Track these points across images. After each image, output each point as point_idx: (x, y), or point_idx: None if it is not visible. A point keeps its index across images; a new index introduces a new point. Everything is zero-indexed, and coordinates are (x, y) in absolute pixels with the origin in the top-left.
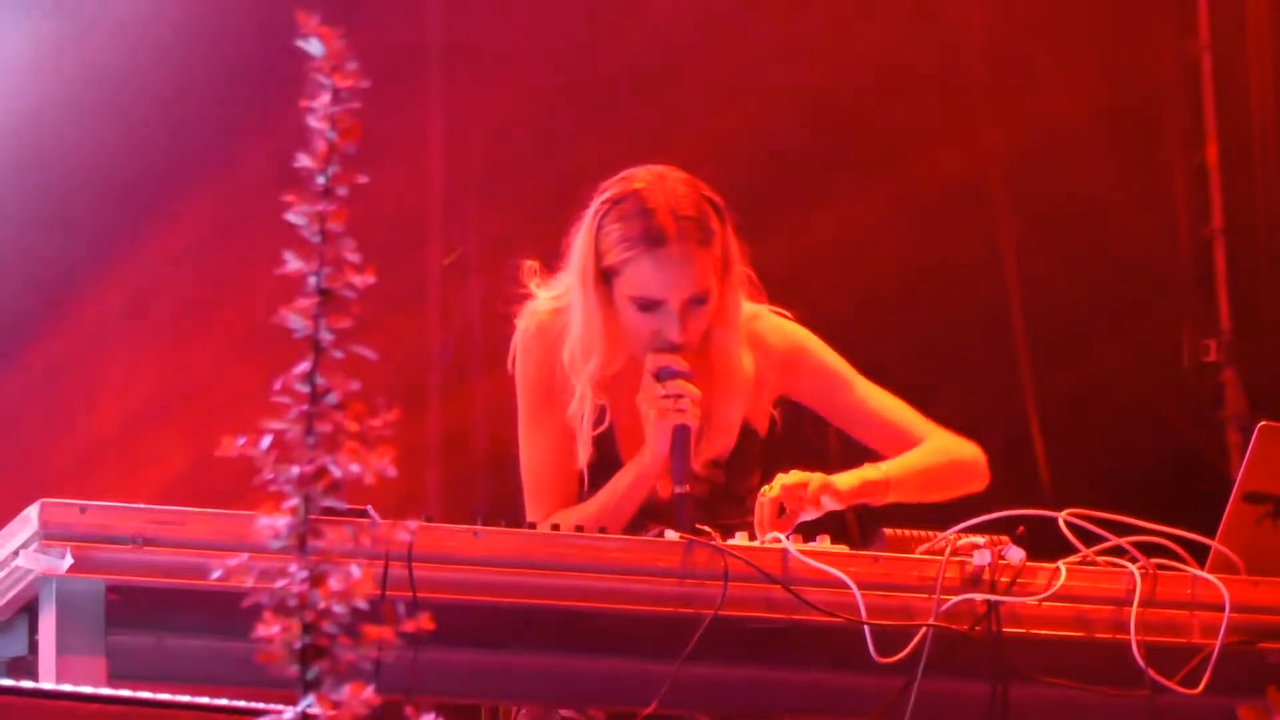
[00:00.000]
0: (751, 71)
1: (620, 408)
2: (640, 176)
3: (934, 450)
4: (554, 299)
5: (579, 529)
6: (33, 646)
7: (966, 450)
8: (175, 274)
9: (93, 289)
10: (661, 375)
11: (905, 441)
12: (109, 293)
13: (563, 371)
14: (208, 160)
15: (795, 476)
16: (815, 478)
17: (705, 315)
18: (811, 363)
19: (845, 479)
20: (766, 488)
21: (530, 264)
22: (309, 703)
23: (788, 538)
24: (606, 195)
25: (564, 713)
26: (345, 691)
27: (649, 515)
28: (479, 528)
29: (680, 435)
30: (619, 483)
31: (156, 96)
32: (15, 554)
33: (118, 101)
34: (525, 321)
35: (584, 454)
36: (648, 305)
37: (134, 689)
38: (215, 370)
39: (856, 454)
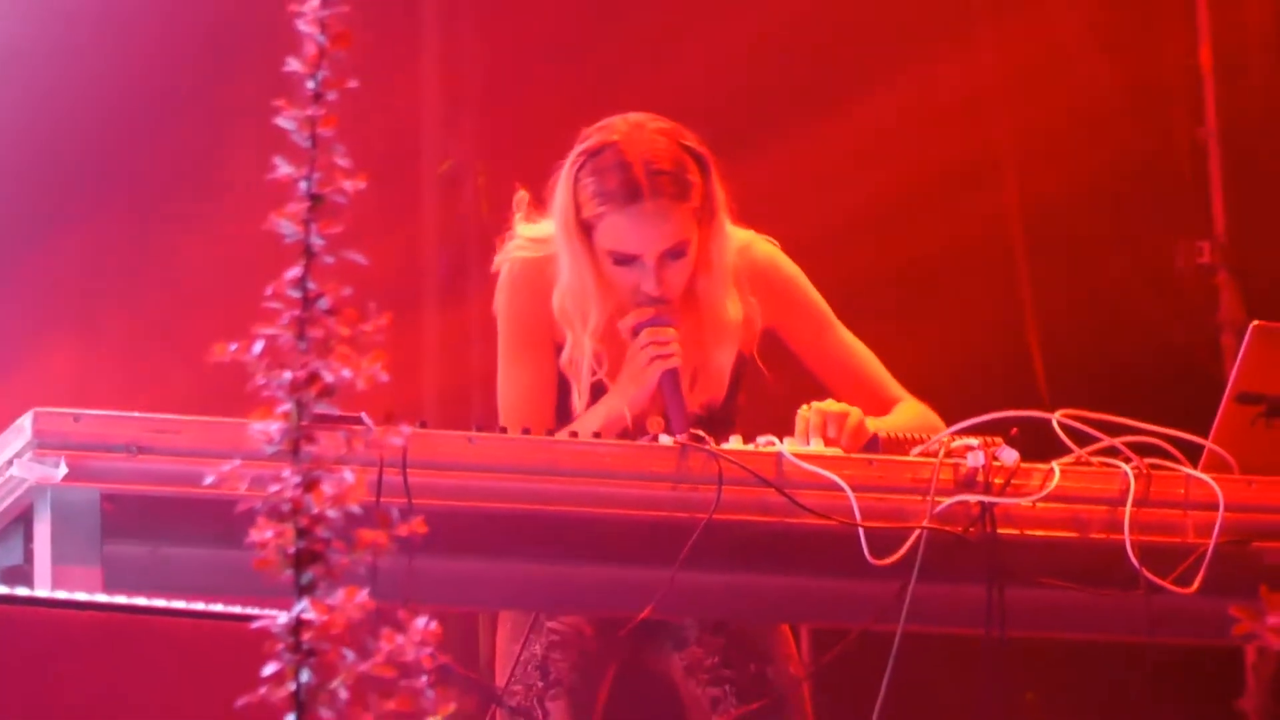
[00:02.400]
0: None
1: (606, 356)
2: (618, 128)
3: (917, 416)
4: (536, 244)
5: None
6: (28, 555)
7: (937, 420)
8: (175, 184)
9: (90, 201)
10: (638, 330)
11: (878, 397)
12: (107, 204)
13: (548, 316)
14: (209, 68)
15: (836, 406)
16: (855, 410)
17: (685, 266)
18: (802, 300)
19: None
20: (805, 410)
21: (521, 195)
22: (303, 607)
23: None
24: (583, 147)
25: (551, 625)
26: (339, 596)
27: None
28: (473, 434)
29: (670, 380)
30: (584, 425)
31: (151, 5)
32: (10, 463)
33: (112, 13)
34: (510, 266)
35: (582, 402)
36: (624, 260)
37: (130, 598)
38: (216, 282)
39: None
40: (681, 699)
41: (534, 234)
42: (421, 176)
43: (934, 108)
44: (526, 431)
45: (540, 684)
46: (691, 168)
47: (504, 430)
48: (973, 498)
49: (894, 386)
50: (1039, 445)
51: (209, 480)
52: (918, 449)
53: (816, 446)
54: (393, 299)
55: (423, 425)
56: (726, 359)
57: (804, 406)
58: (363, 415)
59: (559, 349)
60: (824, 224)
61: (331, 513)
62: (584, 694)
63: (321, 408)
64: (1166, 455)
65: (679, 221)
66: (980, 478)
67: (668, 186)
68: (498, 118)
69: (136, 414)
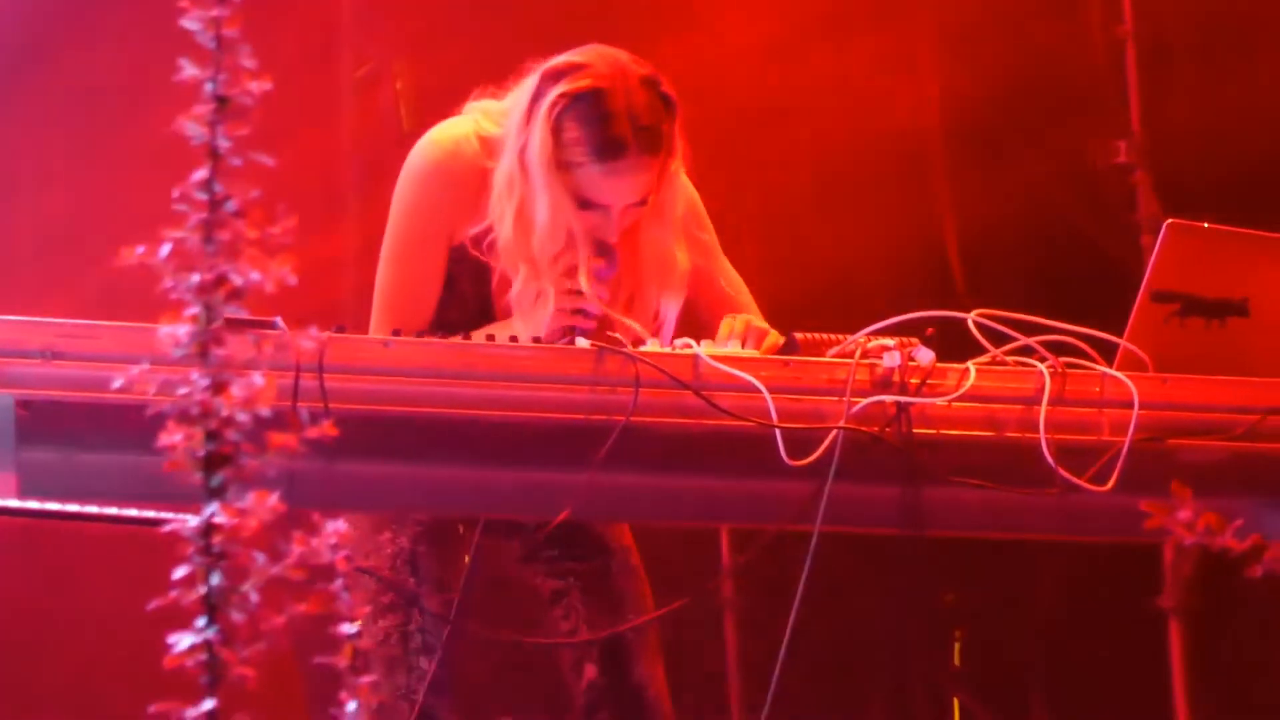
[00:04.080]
0: None
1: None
2: (599, 70)
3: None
4: (469, 143)
5: None
6: None
7: None
8: (86, 86)
9: None
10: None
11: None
12: (16, 108)
13: (452, 220)
14: None
15: (758, 323)
16: (774, 334)
17: (640, 210)
18: (697, 226)
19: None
20: (730, 319)
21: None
22: (213, 510)
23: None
24: (563, 89)
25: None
26: (250, 499)
27: None
28: (389, 338)
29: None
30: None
31: None
32: None
33: None
34: (430, 162)
35: (526, 333)
36: (589, 206)
37: (44, 503)
38: (130, 186)
39: None
40: (519, 586)
41: (452, 134)
42: (340, 79)
43: (850, 11)
44: (445, 334)
45: (414, 580)
46: (665, 117)
47: (423, 334)
48: (889, 398)
49: (761, 320)
50: (955, 345)
51: (118, 384)
52: (834, 350)
53: (734, 349)
54: (312, 202)
55: (340, 329)
56: (667, 304)
57: (729, 315)
58: (277, 319)
59: (453, 254)
60: (738, 120)
61: (241, 416)
62: (450, 586)
63: (233, 311)
64: (1082, 354)
65: (651, 175)
66: (896, 378)
67: (648, 143)
68: (416, 19)
69: (50, 319)
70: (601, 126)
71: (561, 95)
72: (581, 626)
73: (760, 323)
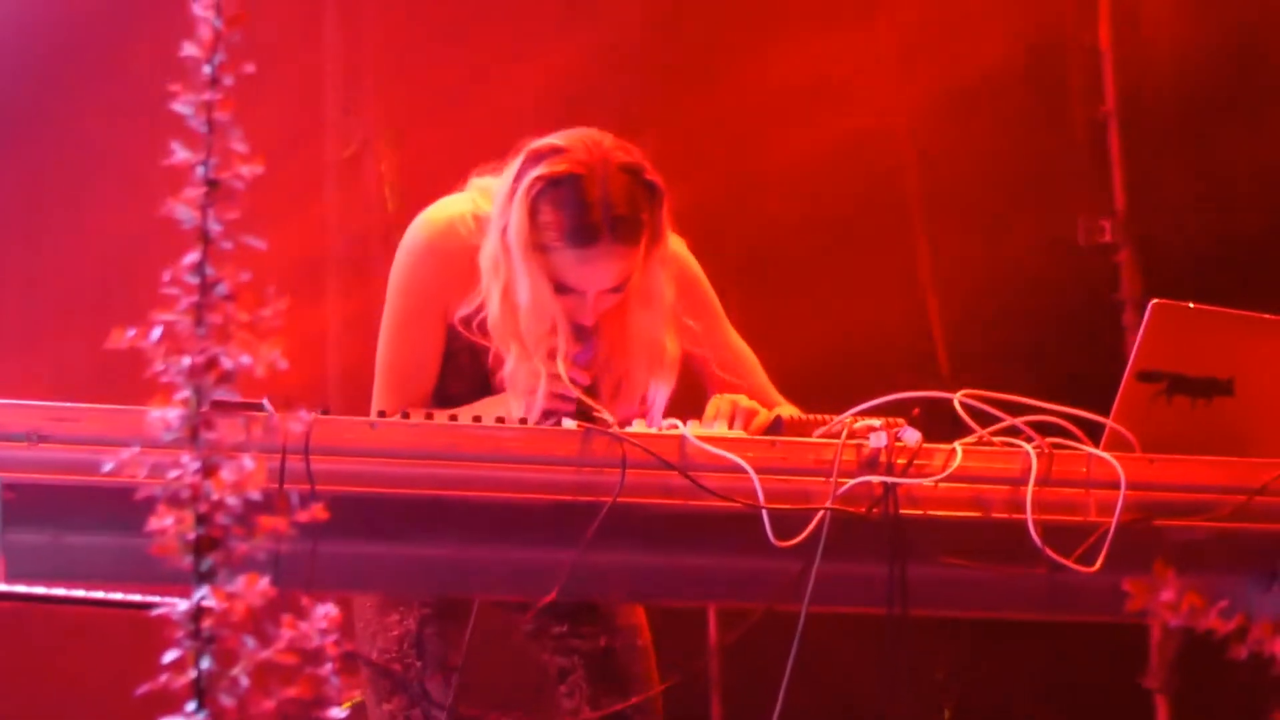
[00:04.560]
0: None
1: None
2: (578, 155)
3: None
4: (464, 222)
5: None
6: None
7: None
8: (73, 166)
9: None
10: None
11: (761, 401)
12: (2, 187)
13: (448, 295)
14: (105, 49)
15: (746, 402)
16: (765, 412)
17: (619, 295)
18: (701, 299)
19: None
20: (718, 399)
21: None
22: (203, 594)
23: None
24: (541, 171)
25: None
26: (240, 583)
27: None
28: (375, 419)
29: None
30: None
31: None
32: None
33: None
34: (428, 239)
35: (517, 412)
36: (564, 290)
37: (31, 586)
38: (117, 267)
39: None
40: (526, 662)
41: (447, 212)
42: (324, 160)
43: (832, 83)
44: (429, 417)
45: (419, 663)
46: (645, 205)
47: (406, 415)
48: (875, 478)
49: (773, 393)
50: (941, 425)
51: (108, 468)
52: (820, 430)
53: (720, 429)
54: (296, 283)
55: (325, 412)
56: (655, 387)
57: (717, 395)
58: (264, 401)
59: (450, 330)
60: (719, 199)
61: (231, 499)
62: (452, 664)
63: (222, 394)
64: (1068, 434)
65: (628, 263)
66: (883, 459)
67: (624, 232)
68: (401, 102)
69: (37, 402)
70: (575, 212)
71: (538, 178)
72: (584, 706)
73: (748, 403)
